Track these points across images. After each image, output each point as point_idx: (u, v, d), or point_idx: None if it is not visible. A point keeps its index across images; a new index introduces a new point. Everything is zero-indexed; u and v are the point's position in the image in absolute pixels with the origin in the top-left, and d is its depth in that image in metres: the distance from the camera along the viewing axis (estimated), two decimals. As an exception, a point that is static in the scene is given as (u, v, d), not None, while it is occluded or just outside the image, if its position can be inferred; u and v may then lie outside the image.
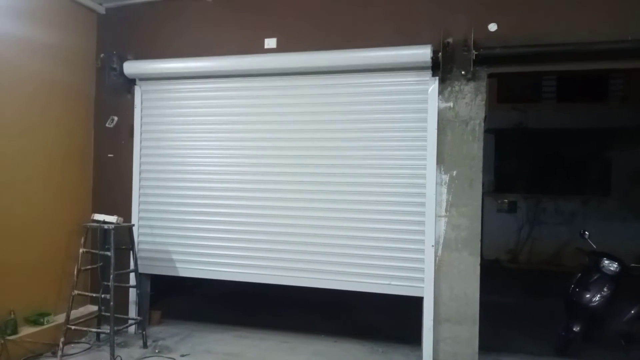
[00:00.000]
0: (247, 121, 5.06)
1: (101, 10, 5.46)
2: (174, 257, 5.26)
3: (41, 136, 4.83)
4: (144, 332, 4.94)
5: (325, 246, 4.78)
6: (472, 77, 4.44)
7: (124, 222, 4.96)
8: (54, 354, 4.54)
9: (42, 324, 4.65)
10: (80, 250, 4.72)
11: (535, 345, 5.23)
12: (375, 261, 4.64)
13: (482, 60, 4.35)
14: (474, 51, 4.28)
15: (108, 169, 5.48)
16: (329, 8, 4.85)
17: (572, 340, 4.96)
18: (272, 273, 4.97)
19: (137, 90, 5.36)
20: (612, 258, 5.06)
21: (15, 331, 4.38)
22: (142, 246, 5.32)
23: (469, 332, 4.47)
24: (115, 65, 5.21)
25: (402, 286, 4.59)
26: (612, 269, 4.98)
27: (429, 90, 4.51)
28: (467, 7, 4.48)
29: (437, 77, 4.48)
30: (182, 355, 4.66)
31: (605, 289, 4.91)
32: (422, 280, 4.54)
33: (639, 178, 10.36)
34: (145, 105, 5.37)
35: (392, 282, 4.60)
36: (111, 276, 4.59)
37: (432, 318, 4.51)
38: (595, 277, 5.02)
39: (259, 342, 5.09)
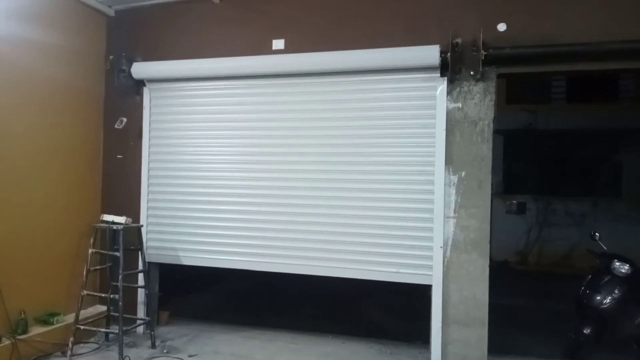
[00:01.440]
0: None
1: (110, 12, 5.50)
2: (183, 246, 5.28)
3: (50, 138, 4.87)
4: (152, 333, 4.96)
5: (333, 234, 4.79)
6: (481, 78, 4.41)
7: (132, 222, 4.99)
8: (64, 353, 4.58)
9: (52, 323, 4.68)
10: (90, 251, 4.75)
11: (545, 348, 5.18)
12: (383, 249, 4.63)
13: (491, 61, 4.32)
14: (483, 51, 4.25)
15: (117, 170, 5.51)
16: (337, 9, 4.85)
17: (583, 343, 4.89)
18: (284, 262, 4.96)
19: (146, 92, 5.39)
20: (623, 260, 4.99)
21: (25, 331, 4.42)
22: (150, 236, 5.37)
23: (478, 335, 4.44)
24: (124, 67, 5.25)
25: (410, 274, 4.58)
26: (623, 270, 4.91)
27: (438, 90, 4.50)
28: (476, 7, 4.45)
29: (445, 78, 4.46)
30: (190, 356, 4.67)
31: (616, 291, 4.85)
32: (430, 267, 4.51)
33: (651, 179, 10.26)
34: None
35: (400, 270, 4.59)
36: (120, 276, 4.61)
37: (440, 320, 4.48)
38: (606, 279, 4.96)
39: (267, 343, 5.09)
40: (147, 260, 5.15)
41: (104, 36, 5.53)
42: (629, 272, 4.90)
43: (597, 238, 5.31)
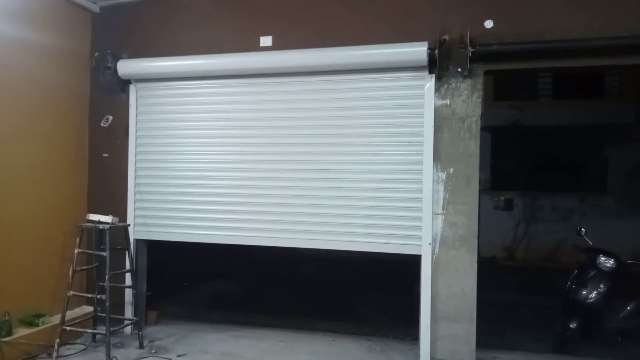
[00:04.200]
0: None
1: (95, 9, 5.42)
2: (170, 222, 5.26)
3: (35, 136, 4.79)
4: (140, 333, 4.91)
5: (323, 210, 4.82)
6: (469, 75, 4.42)
7: (119, 222, 4.94)
8: (50, 355, 4.51)
9: (37, 325, 4.61)
10: (76, 251, 4.69)
11: (533, 343, 5.23)
12: (374, 221, 4.66)
13: (479, 57, 4.33)
14: (470, 48, 4.27)
15: (103, 169, 5.44)
16: (325, 6, 4.83)
17: (569, 337, 4.96)
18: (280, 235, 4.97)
19: (132, 90, 5.32)
20: (608, 254, 5.06)
21: (10, 333, 4.35)
22: (137, 210, 5.34)
23: (467, 330, 4.47)
24: (109, 65, 5.16)
25: (399, 244, 4.59)
26: (608, 265, 4.98)
27: (426, 87, 4.50)
28: (463, 4, 4.46)
29: (433, 75, 4.46)
30: (179, 356, 4.63)
31: (601, 286, 4.92)
32: (419, 237, 4.53)
33: (636, 175, 10.39)
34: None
35: (390, 241, 4.60)
36: (107, 276, 4.56)
37: (429, 316, 4.50)
38: (591, 274, 5.03)
39: (257, 342, 5.08)
40: (134, 237, 5.18)
41: (88, 33, 5.44)
42: (614, 266, 4.97)
43: (583, 233, 5.37)
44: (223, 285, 7.75)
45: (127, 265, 5.04)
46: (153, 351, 4.74)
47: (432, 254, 4.51)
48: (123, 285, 5.13)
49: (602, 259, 5.02)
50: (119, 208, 5.24)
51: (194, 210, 5.15)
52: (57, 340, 4.48)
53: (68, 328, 4.61)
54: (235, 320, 5.78)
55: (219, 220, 5.08)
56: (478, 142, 4.48)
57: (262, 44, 4.95)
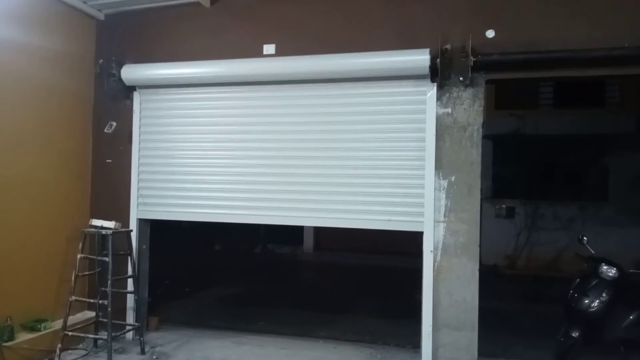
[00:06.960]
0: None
1: (100, 16, 5.47)
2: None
3: (39, 142, 4.82)
4: (141, 338, 4.91)
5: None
6: (470, 84, 4.46)
7: (122, 227, 4.96)
8: (51, 360, 4.52)
9: (39, 330, 4.61)
10: (78, 256, 4.71)
11: (534, 352, 5.21)
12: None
13: (480, 67, 4.37)
14: (471, 57, 4.30)
15: (106, 175, 5.47)
16: (327, 15, 4.88)
17: (571, 346, 4.93)
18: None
19: (136, 96, 5.36)
20: (610, 263, 5.04)
21: (11, 337, 4.35)
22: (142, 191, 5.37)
23: (468, 338, 4.47)
24: (114, 71, 5.22)
25: (402, 221, 4.63)
26: (610, 274, 4.96)
27: (427, 96, 4.54)
28: (465, 14, 4.51)
29: (435, 83, 4.50)
30: (180, 362, 4.64)
31: (604, 295, 4.89)
32: (421, 214, 4.55)
33: (637, 183, 10.39)
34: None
35: (392, 218, 4.62)
36: (109, 282, 4.57)
37: (431, 324, 4.50)
38: (593, 283, 5.00)
39: (258, 348, 5.07)
40: (137, 217, 5.26)
41: (93, 40, 5.50)
42: (616, 275, 4.95)
43: (584, 242, 5.35)
44: (225, 291, 7.75)
45: (129, 271, 5.05)
46: (154, 357, 4.74)
47: (434, 261, 4.51)
48: (125, 290, 5.13)
49: (605, 267, 5.00)
50: (121, 214, 5.26)
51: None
52: (59, 345, 4.49)
53: (70, 333, 4.61)
54: (237, 326, 5.78)
55: (227, 201, 5.14)
56: (479, 150, 4.50)
57: (265, 52, 4.99)
